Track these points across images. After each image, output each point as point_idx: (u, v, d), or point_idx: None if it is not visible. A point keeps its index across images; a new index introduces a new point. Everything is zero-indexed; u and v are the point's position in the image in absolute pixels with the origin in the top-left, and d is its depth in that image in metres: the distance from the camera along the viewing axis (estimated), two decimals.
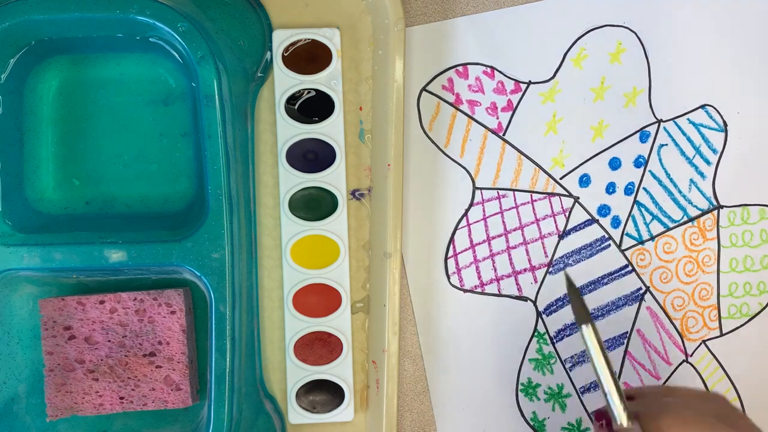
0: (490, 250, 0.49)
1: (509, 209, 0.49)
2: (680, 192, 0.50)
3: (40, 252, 0.42)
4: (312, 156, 0.47)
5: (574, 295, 0.38)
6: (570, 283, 0.38)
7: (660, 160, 0.49)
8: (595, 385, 0.49)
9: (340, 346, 0.47)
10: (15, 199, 0.44)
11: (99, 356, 0.44)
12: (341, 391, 0.47)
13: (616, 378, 0.36)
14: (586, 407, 0.50)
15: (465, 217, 0.49)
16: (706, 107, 0.50)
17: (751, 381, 0.51)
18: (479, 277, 0.49)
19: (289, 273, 0.46)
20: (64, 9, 0.41)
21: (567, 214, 0.49)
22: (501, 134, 0.49)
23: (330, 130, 0.46)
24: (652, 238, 0.50)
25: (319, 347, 0.47)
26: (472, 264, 0.49)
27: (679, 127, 0.50)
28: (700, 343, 0.50)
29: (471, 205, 0.49)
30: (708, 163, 0.50)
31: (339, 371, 0.47)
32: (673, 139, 0.50)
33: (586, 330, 0.36)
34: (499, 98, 0.49)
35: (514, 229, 0.49)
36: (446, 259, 0.49)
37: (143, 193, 0.46)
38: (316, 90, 0.46)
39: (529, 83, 0.49)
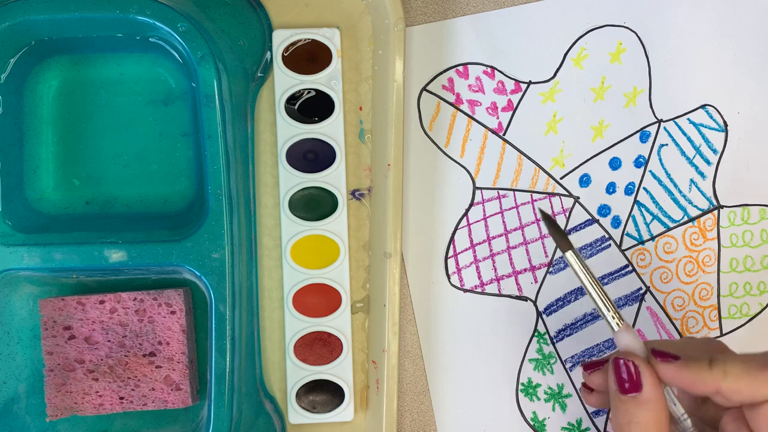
0: (491, 250, 0.49)
1: (509, 209, 0.49)
2: (680, 192, 0.50)
3: (40, 252, 0.42)
4: (312, 156, 0.47)
5: (553, 226, 0.41)
6: (546, 215, 0.41)
7: (660, 160, 0.49)
8: None
9: (340, 346, 0.47)
10: (15, 199, 0.44)
11: (99, 356, 0.44)
12: (341, 391, 0.47)
13: (604, 291, 0.40)
14: (586, 407, 0.50)
15: (465, 217, 0.49)
16: (706, 107, 0.50)
17: None
18: (479, 277, 0.49)
19: (289, 273, 0.46)
20: (64, 9, 0.41)
21: (567, 214, 0.49)
22: (501, 134, 0.49)
23: (330, 130, 0.46)
24: (653, 238, 0.50)
25: (319, 347, 0.47)
26: (472, 264, 0.49)
27: (680, 127, 0.50)
28: None
29: (471, 204, 0.49)
30: (708, 163, 0.50)
31: (339, 371, 0.47)
32: (674, 139, 0.50)
33: (570, 255, 0.40)
34: (499, 98, 0.49)
35: (515, 229, 0.49)
36: (446, 259, 0.49)
37: (143, 193, 0.46)
38: (316, 90, 0.46)
39: (530, 83, 0.49)
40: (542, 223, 0.49)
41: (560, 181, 0.49)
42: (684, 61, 0.49)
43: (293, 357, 0.46)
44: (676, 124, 0.50)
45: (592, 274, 0.40)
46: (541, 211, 0.42)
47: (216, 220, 0.42)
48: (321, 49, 0.46)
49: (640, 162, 0.49)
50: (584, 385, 0.42)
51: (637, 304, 0.50)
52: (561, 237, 0.40)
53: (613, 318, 0.39)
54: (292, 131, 0.46)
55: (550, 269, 0.49)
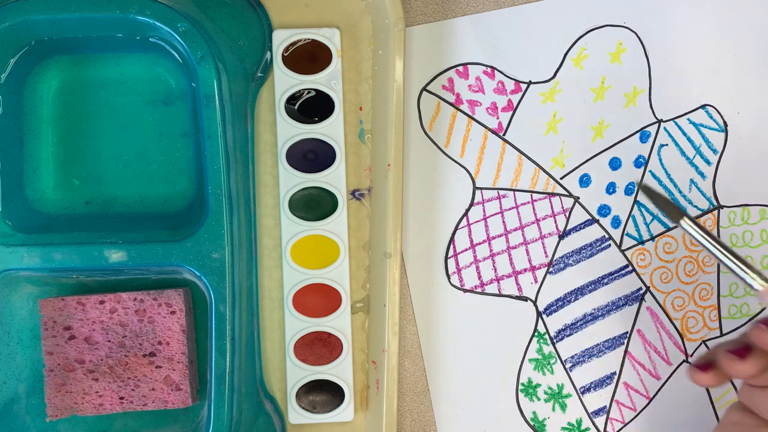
0: (491, 250, 0.49)
1: (509, 209, 0.49)
2: (680, 192, 0.50)
3: (40, 252, 0.42)
4: (312, 156, 0.47)
5: (658, 197, 0.38)
6: (648, 188, 0.39)
7: (660, 160, 0.49)
8: (595, 385, 0.50)
9: (340, 346, 0.47)
10: (15, 199, 0.44)
11: (99, 356, 0.44)
12: (341, 391, 0.47)
13: (734, 252, 0.37)
14: (586, 407, 0.50)
15: (465, 217, 0.49)
16: (706, 107, 0.50)
17: None
18: (479, 277, 0.49)
19: (289, 273, 0.46)
20: (64, 9, 0.41)
21: (567, 214, 0.49)
22: (501, 134, 0.49)
23: (330, 130, 0.46)
24: (653, 238, 0.50)
25: (319, 347, 0.47)
26: (472, 264, 0.49)
27: (680, 127, 0.50)
28: (701, 343, 0.50)
29: (471, 205, 0.49)
30: (708, 163, 0.50)
31: (339, 371, 0.47)
32: (674, 139, 0.50)
33: (686, 223, 0.37)
34: (499, 98, 0.49)
35: (515, 229, 0.49)
36: (446, 259, 0.49)
37: (143, 193, 0.46)
38: (316, 90, 0.46)
39: (530, 83, 0.49)
40: (646, 199, 0.44)
41: (560, 181, 0.49)
42: (684, 61, 0.49)
43: (293, 357, 0.46)
44: (676, 124, 0.50)
45: (714, 237, 0.37)
46: (644, 186, 0.39)
47: (216, 220, 0.42)
48: (321, 49, 0.46)
49: (640, 162, 0.49)
50: (696, 365, 0.40)
51: (637, 304, 0.50)
52: (670, 206, 0.38)
53: (754, 279, 0.36)
54: (292, 131, 0.46)
55: (550, 269, 0.49)
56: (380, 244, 0.46)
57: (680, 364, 0.50)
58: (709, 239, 0.37)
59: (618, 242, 0.50)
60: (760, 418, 0.39)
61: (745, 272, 0.37)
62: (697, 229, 0.37)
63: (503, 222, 0.49)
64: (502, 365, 0.49)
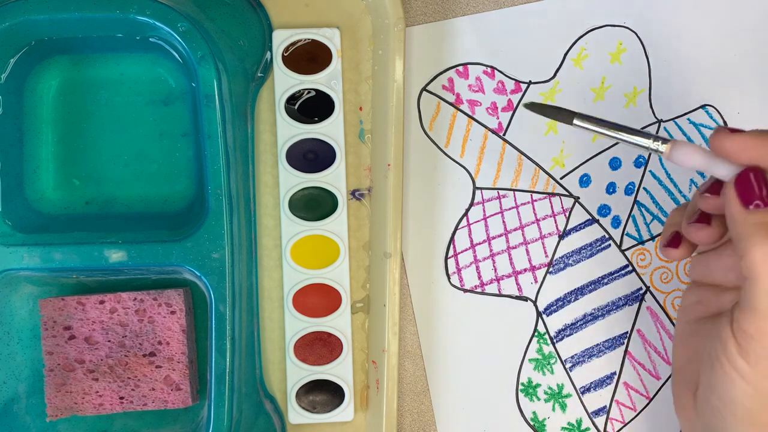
0: (491, 250, 0.49)
1: (509, 209, 0.49)
2: (680, 192, 0.50)
3: (40, 252, 0.42)
4: (312, 156, 0.47)
5: (545, 108, 0.39)
6: (533, 104, 0.40)
7: (660, 160, 0.49)
8: (595, 385, 0.50)
9: (340, 346, 0.47)
10: (15, 199, 0.44)
11: (99, 356, 0.44)
12: (341, 391, 0.47)
13: (631, 127, 0.37)
14: (586, 407, 0.50)
15: (465, 217, 0.49)
16: (706, 107, 0.50)
17: None
18: (479, 277, 0.49)
19: (289, 273, 0.46)
20: (64, 9, 0.41)
21: (567, 214, 0.49)
22: (501, 134, 0.49)
23: (330, 130, 0.46)
24: (653, 238, 0.50)
25: (319, 347, 0.47)
26: (472, 264, 0.49)
27: (680, 127, 0.50)
28: None
29: (471, 204, 0.49)
30: None
31: (339, 371, 0.47)
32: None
33: (580, 120, 0.38)
34: (499, 98, 0.49)
35: (515, 229, 0.49)
36: (446, 259, 0.49)
37: (143, 193, 0.46)
38: (316, 90, 0.46)
39: (530, 83, 0.49)
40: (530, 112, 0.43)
41: (560, 181, 0.49)
42: (684, 61, 0.49)
43: (293, 357, 0.46)
44: (676, 124, 0.50)
45: (610, 123, 0.37)
46: (531, 104, 0.40)
47: (216, 220, 0.42)
48: (321, 49, 0.46)
49: (640, 162, 0.49)
50: (668, 244, 0.40)
51: (637, 304, 0.50)
52: (559, 111, 0.38)
53: (658, 145, 0.37)
54: (292, 131, 0.46)
55: (550, 269, 0.49)
56: (380, 244, 0.46)
57: None
58: (604, 128, 0.38)
59: (618, 242, 0.50)
60: (716, 287, 0.39)
61: (648, 141, 0.37)
62: (591, 124, 0.38)
63: (503, 222, 0.49)
64: (502, 365, 0.49)
